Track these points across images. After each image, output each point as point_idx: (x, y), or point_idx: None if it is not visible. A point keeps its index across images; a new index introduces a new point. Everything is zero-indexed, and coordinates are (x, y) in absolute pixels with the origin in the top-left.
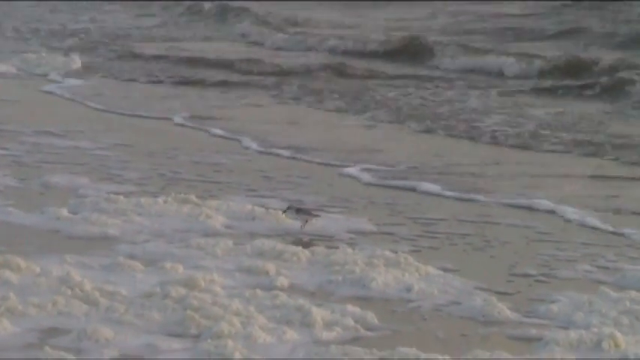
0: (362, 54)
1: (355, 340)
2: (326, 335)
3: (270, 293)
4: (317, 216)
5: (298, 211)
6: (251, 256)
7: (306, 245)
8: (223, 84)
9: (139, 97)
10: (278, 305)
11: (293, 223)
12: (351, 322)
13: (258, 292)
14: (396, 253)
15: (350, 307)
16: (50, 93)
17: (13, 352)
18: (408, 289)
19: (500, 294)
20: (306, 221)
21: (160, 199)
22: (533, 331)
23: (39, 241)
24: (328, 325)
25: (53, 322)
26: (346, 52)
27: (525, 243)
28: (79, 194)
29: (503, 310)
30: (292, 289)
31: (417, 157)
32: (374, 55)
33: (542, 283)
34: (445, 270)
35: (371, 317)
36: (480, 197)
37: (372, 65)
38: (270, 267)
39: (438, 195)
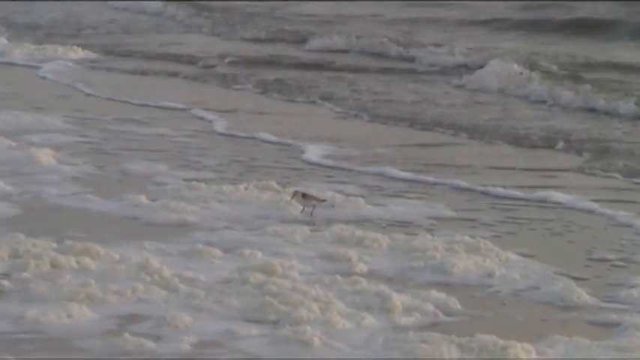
0: None
1: (434, 326)
2: (405, 321)
3: (349, 279)
4: (324, 201)
5: (304, 196)
6: (331, 243)
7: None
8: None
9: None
10: (357, 291)
11: (374, 210)
12: (430, 307)
13: (338, 277)
14: (476, 238)
15: (433, 293)
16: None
17: (92, 339)
18: (490, 275)
19: (579, 279)
20: (314, 207)
21: (241, 186)
22: (613, 316)
23: (118, 228)
24: (407, 311)
25: (132, 308)
26: None
27: (603, 228)
28: (158, 181)
29: (582, 295)
30: (371, 275)
31: None
32: None
33: (620, 268)
34: (524, 255)
35: (453, 302)
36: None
37: None
38: (351, 253)
39: None
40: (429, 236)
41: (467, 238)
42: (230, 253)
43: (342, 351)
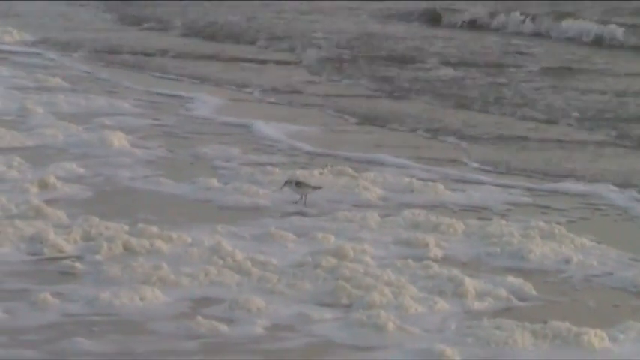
0: None
1: (507, 311)
2: (478, 305)
3: (421, 263)
4: (318, 188)
5: (298, 184)
6: (405, 228)
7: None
8: None
9: None
10: (430, 275)
11: (451, 195)
12: (504, 292)
13: (410, 262)
14: (550, 224)
15: (510, 278)
16: None
17: (165, 322)
18: (567, 261)
19: None
20: (306, 195)
21: (316, 171)
22: None
23: (190, 212)
24: (480, 296)
25: (205, 291)
26: None
27: None
28: (230, 165)
29: None
30: (445, 260)
31: None
32: None
33: None
34: (599, 241)
35: (528, 288)
36: None
37: None
38: (429, 239)
39: None
40: (503, 222)
41: (541, 223)
42: (303, 237)
43: (416, 335)
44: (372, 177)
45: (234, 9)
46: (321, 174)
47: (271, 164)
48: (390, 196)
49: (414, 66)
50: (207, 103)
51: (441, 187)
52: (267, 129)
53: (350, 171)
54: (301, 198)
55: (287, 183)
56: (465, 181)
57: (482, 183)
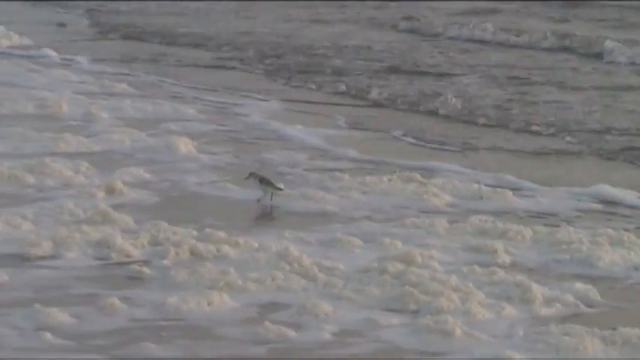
0: None
1: (575, 317)
2: (545, 311)
3: (488, 269)
4: (279, 189)
5: (262, 180)
6: (473, 235)
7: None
8: None
9: None
10: (496, 281)
11: (520, 202)
12: (571, 298)
13: (477, 268)
14: (618, 231)
15: (578, 285)
16: None
17: (233, 327)
18: (636, 268)
19: None
20: (272, 195)
21: (385, 178)
22: None
23: (257, 217)
24: (548, 302)
25: (272, 296)
26: None
27: None
28: (297, 171)
29: None
30: (513, 267)
31: None
32: None
33: None
34: None
35: (594, 294)
36: None
37: None
38: (497, 245)
39: None
40: (571, 229)
41: (610, 230)
42: (370, 243)
43: (483, 341)
44: (441, 183)
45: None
46: (390, 180)
47: (339, 170)
48: (459, 202)
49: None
50: (257, 109)
51: (509, 193)
52: (305, 134)
53: (418, 177)
54: (265, 196)
55: (251, 175)
56: (532, 188)
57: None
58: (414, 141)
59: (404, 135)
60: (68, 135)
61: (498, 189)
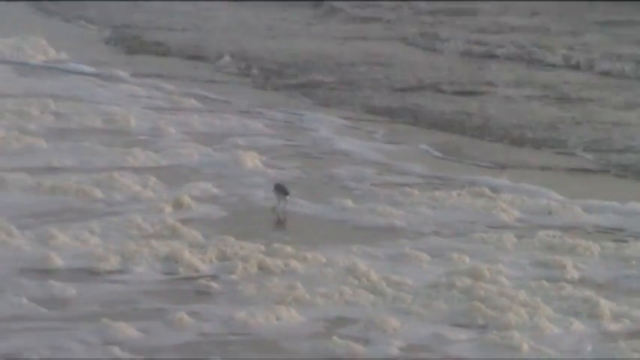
0: None
1: None
2: (613, 327)
3: (556, 284)
4: (287, 194)
5: (276, 187)
6: (541, 250)
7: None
8: None
9: None
10: (564, 296)
11: (588, 218)
12: None
13: (545, 283)
14: None
15: None
16: None
17: (301, 341)
18: None
19: None
20: (285, 202)
21: (454, 193)
22: None
23: (325, 232)
24: (616, 317)
25: (340, 311)
26: None
27: None
28: (364, 185)
29: None
30: (581, 282)
31: None
32: None
33: None
34: None
35: None
36: None
37: None
38: (566, 261)
39: None
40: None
41: None
42: (437, 258)
43: (551, 357)
44: (510, 199)
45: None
46: (459, 195)
47: (407, 185)
48: (527, 217)
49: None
50: (323, 124)
51: (578, 209)
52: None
53: (488, 192)
54: (279, 203)
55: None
56: (600, 205)
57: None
58: (470, 159)
59: (455, 151)
60: (136, 149)
61: (567, 204)
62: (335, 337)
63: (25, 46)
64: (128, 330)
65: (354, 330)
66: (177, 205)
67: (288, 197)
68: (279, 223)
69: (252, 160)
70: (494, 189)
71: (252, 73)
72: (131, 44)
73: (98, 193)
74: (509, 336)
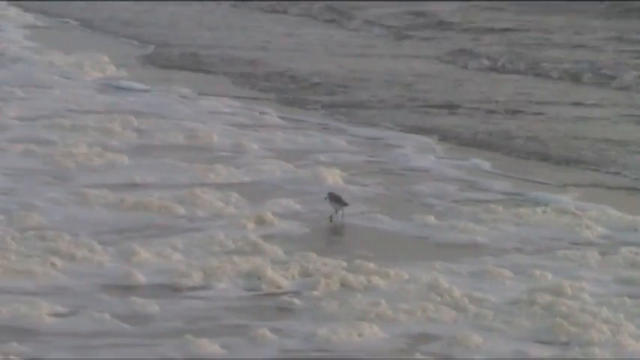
0: None
1: None
2: None
3: (638, 301)
4: (346, 205)
5: (331, 198)
6: (624, 267)
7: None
8: None
9: None
10: None
11: None
12: None
13: (627, 300)
14: None
15: None
16: None
17: (383, 358)
18: None
19: None
20: (342, 211)
21: (539, 209)
22: None
23: (407, 248)
24: None
25: (423, 328)
26: None
27: None
28: (445, 202)
29: None
30: None
31: None
32: None
33: None
34: None
35: None
36: None
37: None
38: None
39: None
40: None
41: None
42: (520, 274)
43: None
44: (595, 215)
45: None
46: (543, 212)
47: (489, 201)
48: (612, 234)
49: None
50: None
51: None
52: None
53: (572, 209)
54: (336, 213)
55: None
56: None
57: None
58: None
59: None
60: (219, 166)
61: None
62: (418, 354)
63: (86, 63)
64: (210, 346)
65: (437, 346)
66: (260, 221)
67: (345, 208)
68: (337, 230)
69: (333, 177)
70: (579, 207)
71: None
72: (179, 61)
73: (180, 210)
74: (591, 353)
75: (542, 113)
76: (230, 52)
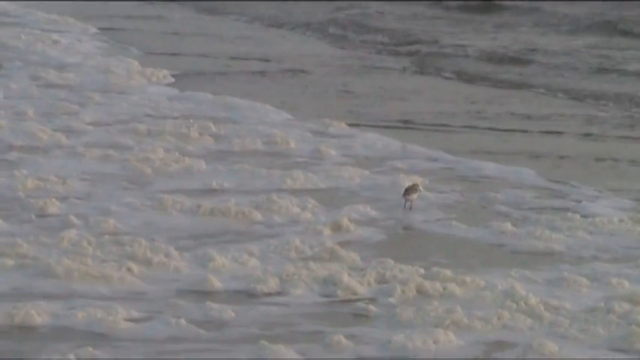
0: None
1: None
2: None
3: None
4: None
5: (406, 190)
6: None
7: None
8: None
9: None
10: None
11: None
12: None
13: None
14: None
15: None
16: None
17: None
18: None
19: None
20: (411, 202)
21: (615, 218)
22: None
23: (483, 255)
24: None
25: (498, 335)
26: None
27: None
28: (522, 210)
29: None
30: None
31: None
32: None
33: None
34: None
35: None
36: None
37: None
38: None
39: None
40: None
41: None
42: (596, 282)
43: None
44: None
45: None
46: (620, 220)
47: (567, 209)
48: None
49: None
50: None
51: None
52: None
53: None
54: (406, 203)
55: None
56: None
57: None
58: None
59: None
60: (296, 171)
61: None
62: None
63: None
64: (286, 352)
65: (512, 354)
66: (336, 227)
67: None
68: (414, 237)
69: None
70: None
71: None
72: None
73: (257, 216)
74: None
75: None
76: None
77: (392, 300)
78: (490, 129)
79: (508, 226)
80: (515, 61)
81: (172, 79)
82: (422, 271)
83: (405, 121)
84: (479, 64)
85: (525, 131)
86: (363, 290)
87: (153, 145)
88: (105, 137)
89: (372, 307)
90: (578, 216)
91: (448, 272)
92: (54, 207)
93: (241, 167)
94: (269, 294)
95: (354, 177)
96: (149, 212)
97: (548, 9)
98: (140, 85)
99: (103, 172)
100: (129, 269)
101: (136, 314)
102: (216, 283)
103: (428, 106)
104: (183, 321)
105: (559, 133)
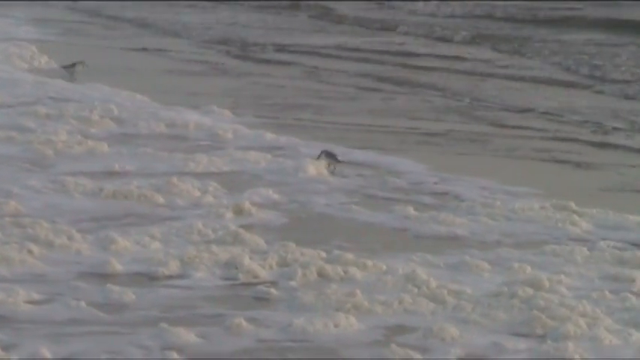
0: None
1: None
2: None
3: (619, 296)
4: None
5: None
6: (612, 264)
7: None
8: None
9: None
10: (627, 308)
11: None
12: None
13: (607, 294)
14: None
15: None
16: None
17: (359, 349)
18: None
19: None
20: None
21: (537, 205)
22: None
23: (385, 240)
24: None
25: (399, 319)
26: None
27: None
28: (429, 193)
29: None
30: None
31: None
32: None
33: None
34: None
35: None
36: None
37: None
38: (634, 274)
39: None
40: None
41: None
42: (498, 267)
43: None
44: (594, 212)
45: None
46: (542, 208)
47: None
48: (601, 232)
49: None
50: None
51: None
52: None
53: (573, 206)
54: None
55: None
56: None
57: None
58: None
59: None
60: (199, 155)
61: None
62: (393, 345)
63: None
64: (187, 335)
65: (413, 338)
66: (238, 211)
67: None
68: (316, 221)
69: (315, 168)
70: (580, 203)
71: None
72: None
73: (159, 199)
74: (561, 347)
75: None
76: None
77: (293, 283)
78: None
79: (411, 210)
80: None
81: None
82: (323, 254)
83: None
84: None
85: None
86: (264, 274)
87: (55, 128)
88: (6, 120)
89: (273, 291)
90: (498, 202)
91: (350, 256)
92: None
93: (145, 151)
94: (170, 277)
95: (256, 161)
96: (51, 195)
97: None
98: None
99: (4, 154)
100: (30, 251)
101: (36, 296)
102: (118, 266)
103: None
104: (83, 303)
105: None
